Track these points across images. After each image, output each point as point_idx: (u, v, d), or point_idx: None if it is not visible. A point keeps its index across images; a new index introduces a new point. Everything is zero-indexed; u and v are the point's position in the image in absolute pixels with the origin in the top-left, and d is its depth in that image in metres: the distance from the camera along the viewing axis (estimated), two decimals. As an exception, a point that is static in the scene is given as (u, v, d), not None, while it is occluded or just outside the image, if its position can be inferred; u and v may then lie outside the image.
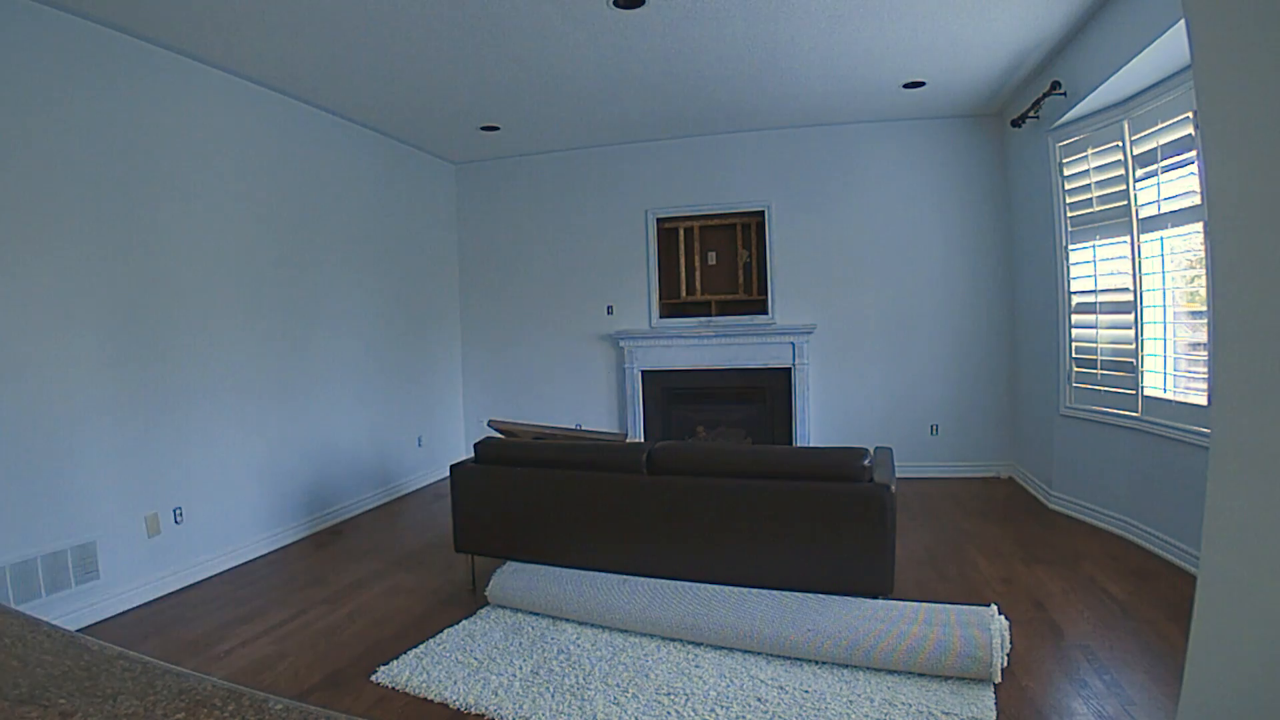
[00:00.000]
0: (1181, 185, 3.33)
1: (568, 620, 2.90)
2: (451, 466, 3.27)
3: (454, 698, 2.35)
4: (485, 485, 3.21)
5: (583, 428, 4.17)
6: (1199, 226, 3.17)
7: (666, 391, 5.82)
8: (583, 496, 3.04)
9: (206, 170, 3.72)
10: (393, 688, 2.44)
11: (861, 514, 2.63)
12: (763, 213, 5.54)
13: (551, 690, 2.36)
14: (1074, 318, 4.26)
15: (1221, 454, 1.32)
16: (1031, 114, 4.24)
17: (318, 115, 4.55)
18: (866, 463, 2.69)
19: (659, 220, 5.77)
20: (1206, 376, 3.16)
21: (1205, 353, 3.19)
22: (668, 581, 2.87)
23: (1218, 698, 1.33)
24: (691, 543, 2.88)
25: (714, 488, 2.83)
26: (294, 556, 3.97)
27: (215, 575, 3.65)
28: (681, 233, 5.73)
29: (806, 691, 2.31)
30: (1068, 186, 4.23)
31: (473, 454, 3.34)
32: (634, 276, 5.85)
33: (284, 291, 4.25)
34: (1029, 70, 4.23)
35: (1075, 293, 4.25)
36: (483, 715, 2.24)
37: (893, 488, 2.64)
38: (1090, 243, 4.07)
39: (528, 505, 3.15)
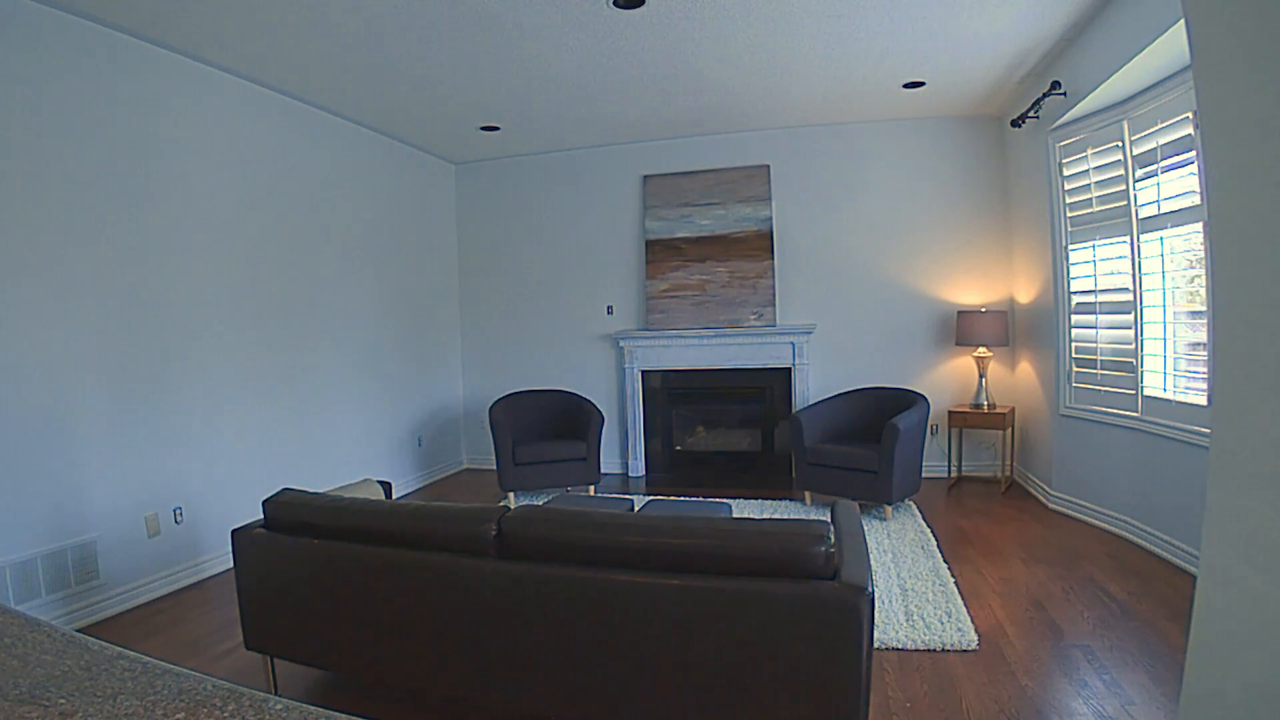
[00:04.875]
0: (1181, 185, 3.33)
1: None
2: (233, 532, 2.38)
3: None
4: (277, 561, 2.31)
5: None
6: (1199, 226, 3.18)
7: (667, 391, 5.82)
8: (404, 587, 2.10)
9: (206, 170, 3.72)
10: None
11: (819, 635, 1.69)
12: (763, 213, 5.53)
13: None
14: (1074, 318, 4.26)
15: (1221, 454, 1.32)
16: (1031, 114, 4.24)
17: (318, 115, 4.55)
18: (826, 548, 1.75)
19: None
20: (1206, 376, 3.16)
21: (1205, 353, 3.19)
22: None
23: (1218, 698, 1.33)
24: (557, 672, 1.95)
25: (589, 585, 1.89)
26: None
27: (215, 575, 3.65)
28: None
29: None
30: (1068, 186, 4.23)
31: (263, 514, 2.41)
32: (634, 277, 5.85)
33: (283, 292, 4.25)
34: (1029, 70, 4.23)
35: (1075, 293, 4.25)
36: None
37: (870, 588, 1.71)
38: (1090, 243, 4.07)
39: (329, 595, 2.22)
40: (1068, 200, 4.24)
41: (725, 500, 4.40)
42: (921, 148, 5.27)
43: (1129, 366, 3.78)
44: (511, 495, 4.90)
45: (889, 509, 4.30)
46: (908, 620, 2.84)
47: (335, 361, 4.71)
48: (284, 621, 2.33)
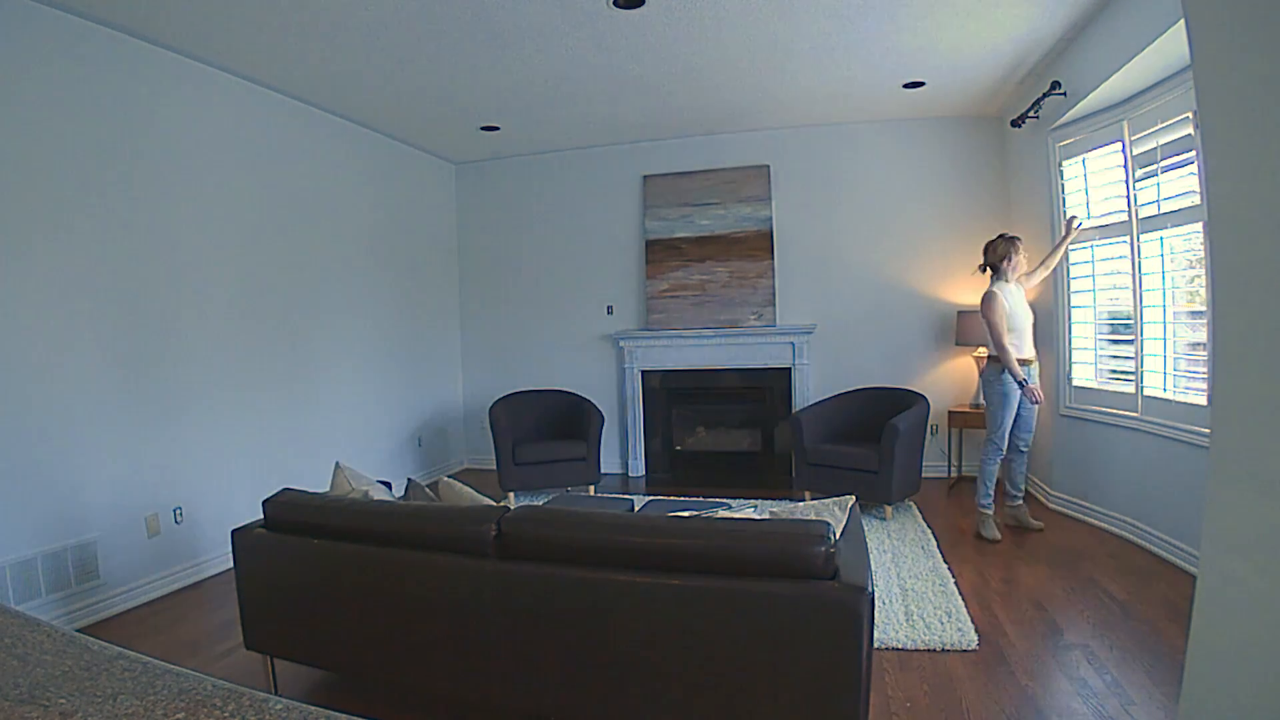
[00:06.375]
0: (1181, 185, 3.33)
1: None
2: (233, 532, 2.38)
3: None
4: (278, 561, 2.31)
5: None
6: (1199, 226, 3.17)
7: (666, 391, 5.82)
8: (404, 587, 2.10)
9: (206, 170, 3.72)
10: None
11: (819, 635, 1.69)
12: (763, 213, 5.53)
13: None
14: (1074, 316, 4.26)
15: (1221, 454, 1.32)
16: (1031, 114, 4.24)
17: (318, 115, 4.55)
18: (826, 548, 1.73)
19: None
20: (1206, 376, 3.16)
21: (1205, 353, 3.19)
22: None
23: (1218, 698, 1.33)
24: (557, 672, 1.94)
25: (589, 585, 1.89)
26: (294, 556, 3.96)
27: (215, 575, 3.65)
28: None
29: None
30: (1068, 186, 4.23)
31: (263, 514, 2.40)
32: (634, 277, 5.85)
33: (283, 291, 4.25)
34: (1029, 70, 4.23)
35: (1075, 292, 4.25)
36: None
37: (870, 588, 1.71)
38: (1090, 242, 4.07)
39: (329, 595, 2.22)
40: (1068, 200, 4.23)
41: (725, 500, 4.40)
42: (921, 148, 5.27)
43: (1129, 366, 3.78)
44: (511, 495, 4.90)
45: (889, 509, 4.30)
46: (908, 620, 2.84)
47: (335, 362, 4.71)
48: (284, 621, 2.33)
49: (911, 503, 4.61)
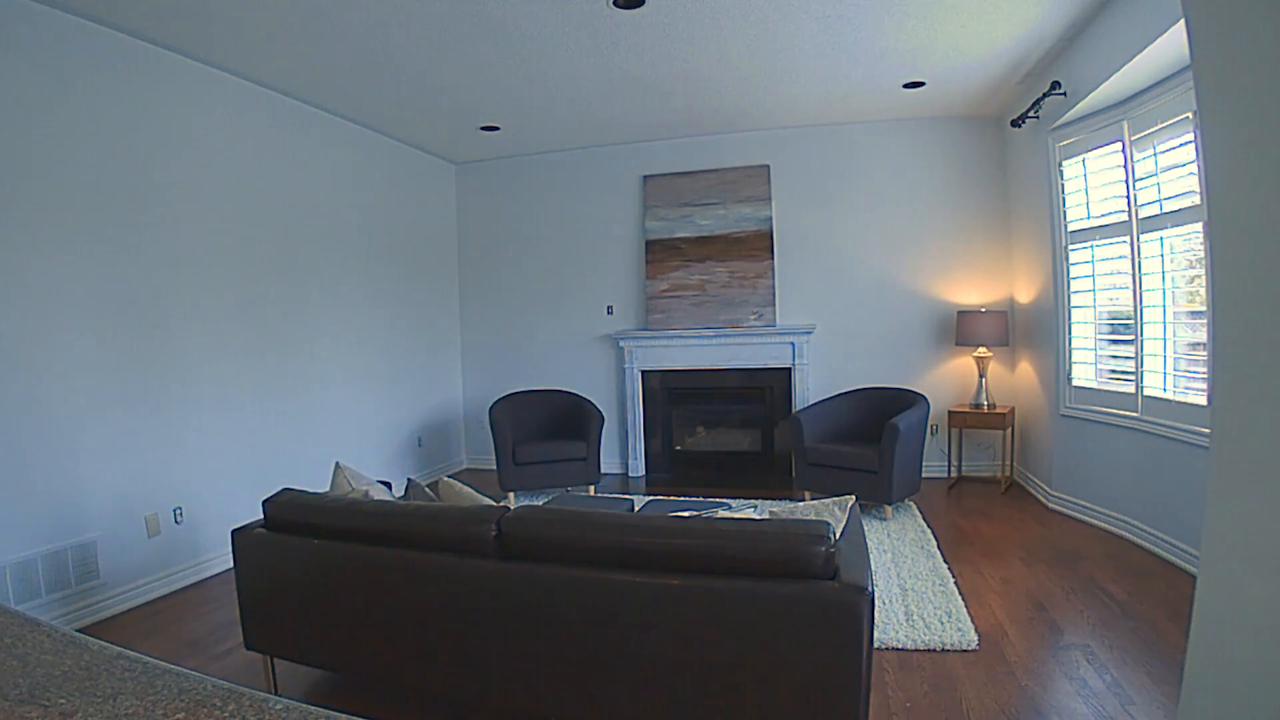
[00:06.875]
0: (1181, 185, 3.33)
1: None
2: (233, 532, 2.38)
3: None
4: (278, 561, 2.31)
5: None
6: (1199, 226, 3.18)
7: (666, 391, 5.82)
8: (404, 587, 2.10)
9: (206, 170, 3.72)
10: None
11: (819, 635, 1.69)
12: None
13: None
14: (1074, 316, 4.26)
15: (1221, 454, 1.32)
16: (1031, 114, 4.24)
17: (318, 115, 4.55)
18: (826, 548, 1.74)
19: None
20: (1206, 376, 3.16)
21: (1205, 353, 3.19)
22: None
23: (1218, 697, 1.33)
24: (557, 672, 1.94)
25: (589, 585, 1.89)
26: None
27: (215, 575, 3.65)
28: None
29: None
30: (1067, 186, 4.23)
31: (263, 514, 2.41)
32: (634, 277, 5.85)
33: (283, 292, 4.25)
34: (1029, 70, 4.23)
35: (1075, 293, 4.25)
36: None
37: (870, 588, 1.71)
38: (1090, 243, 4.07)
39: (329, 595, 2.22)
40: (1067, 200, 4.23)
41: (725, 500, 4.40)
42: (921, 148, 5.27)
43: (1129, 366, 3.78)
44: (511, 495, 4.90)
45: (889, 509, 4.30)
46: (908, 620, 2.84)
47: (335, 362, 4.71)
48: (284, 621, 2.33)
49: (911, 503, 4.61)
